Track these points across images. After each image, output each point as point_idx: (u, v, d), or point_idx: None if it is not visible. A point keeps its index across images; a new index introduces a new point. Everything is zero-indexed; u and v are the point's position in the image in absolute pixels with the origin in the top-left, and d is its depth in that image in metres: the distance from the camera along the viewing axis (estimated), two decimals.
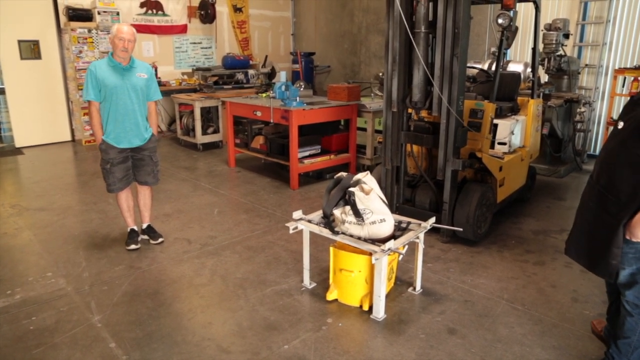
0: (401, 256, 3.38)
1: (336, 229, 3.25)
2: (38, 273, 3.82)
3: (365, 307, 3.25)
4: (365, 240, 3.12)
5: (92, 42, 8.41)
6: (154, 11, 9.67)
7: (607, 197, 2.26)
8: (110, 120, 3.95)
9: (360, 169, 6.68)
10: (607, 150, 2.36)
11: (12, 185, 6.36)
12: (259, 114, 6.36)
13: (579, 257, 2.50)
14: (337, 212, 3.23)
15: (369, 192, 3.10)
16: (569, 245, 2.57)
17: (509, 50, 7.87)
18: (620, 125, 2.30)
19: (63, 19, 8.47)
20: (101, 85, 3.86)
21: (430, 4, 4.08)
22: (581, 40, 7.48)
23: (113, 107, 3.92)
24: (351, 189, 3.13)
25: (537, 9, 4.93)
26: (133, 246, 4.22)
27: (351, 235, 3.18)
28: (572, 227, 2.57)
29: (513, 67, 6.07)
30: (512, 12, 4.16)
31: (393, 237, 3.17)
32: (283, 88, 5.93)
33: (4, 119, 11.06)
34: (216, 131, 8.59)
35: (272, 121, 6.16)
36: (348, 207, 3.15)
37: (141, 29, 9.32)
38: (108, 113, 3.94)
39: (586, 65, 7.46)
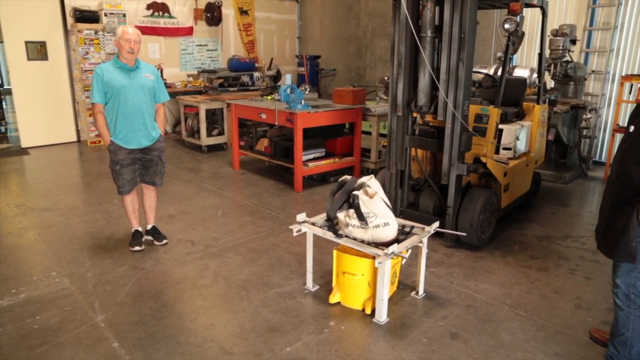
0: (404, 260, 3.37)
1: (340, 232, 3.25)
2: (42, 272, 3.83)
3: (368, 311, 3.25)
4: (369, 243, 3.12)
5: (99, 44, 8.46)
6: (160, 13, 9.72)
7: (628, 190, 2.39)
8: (119, 121, 3.96)
9: (365, 172, 6.68)
10: (622, 151, 2.50)
11: (17, 185, 6.40)
12: (263, 116, 6.37)
13: (605, 248, 2.55)
14: (341, 215, 3.24)
15: (373, 196, 3.10)
16: (599, 241, 2.62)
17: (515, 56, 7.87)
18: (632, 129, 2.44)
19: (70, 20, 8.53)
20: (108, 87, 3.88)
21: (437, 9, 4.09)
22: (588, 46, 7.46)
23: (122, 107, 3.93)
24: (355, 192, 3.13)
25: (544, 14, 4.93)
26: (137, 247, 4.23)
27: (354, 239, 3.18)
28: (598, 225, 2.63)
29: (519, 73, 6.05)
30: (518, 17, 4.16)
31: (396, 241, 3.17)
32: (288, 91, 5.94)
33: (10, 119, 11.16)
34: (221, 133, 8.61)
35: (276, 124, 6.18)
36: (352, 211, 3.15)
37: (147, 30, 9.38)
38: (117, 114, 3.95)
39: (593, 71, 7.44)
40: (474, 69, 5.19)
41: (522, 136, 4.88)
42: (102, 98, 3.91)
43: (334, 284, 3.46)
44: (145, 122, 4.06)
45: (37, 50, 8.41)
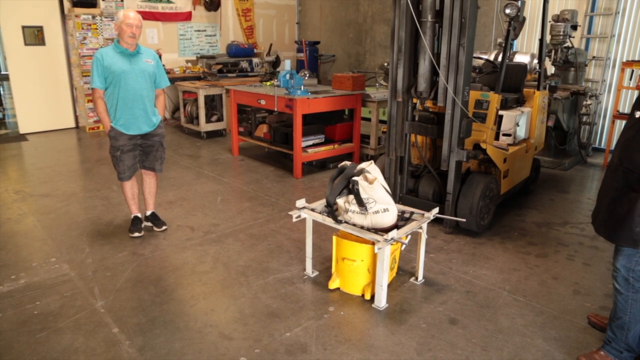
0: (404, 246, 3.38)
1: (339, 218, 3.25)
2: (42, 258, 3.84)
3: (367, 296, 3.26)
4: (368, 229, 3.12)
5: (96, 29, 8.39)
6: None
7: (632, 176, 2.39)
8: (119, 106, 3.93)
9: (364, 158, 6.67)
10: (627, 138, 2.48)
11: (16, 171, 6.38)
12: (263, 102, 6.34)
13: (606, 232, 2.56)
14: (340, 201, 3.23)
15: (373, 182, 3.09)
16: (597, 224, 2.63)
17: (515, 41, 7.81)
18: (638, 114, 2.42)
19: (67, 5, 8.45)
20: (108, 72, 3.84)
21: None
22: (589, 32, 7.41)
23: (122, 92, 3.90)
24: (355, 178, 3.13)
25: None
26: (137, 234, 4.23)
27: (354, 225, 3.18)
28: (596, 209, 2.63)
29: (519, 58, 6.01)
30: (519, 2, 4.12)
31: (396, 226, 3.17)
32: (287, 77, 5.90)
33: (8, 105, 11.10)
34: (220, 119, 8.58)
35: (276, 110, 6.15)
36: (351, 196, 3.15)
37: (145, 15, 9.28)
38: (117, 99, 3.91)
39: (594, 57, 7.40)
40: (475, 55, 5.15)
41: (522, 122, 4.86)
42: (102, 83, 3.87)
43: (333, 269, 3.47)
44: (146, 107, 4.04)
45: (34, 35, 8.33)
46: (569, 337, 2.91)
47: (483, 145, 4.30)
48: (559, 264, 3.85)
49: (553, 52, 6.74)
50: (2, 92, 12.43)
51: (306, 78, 7.14)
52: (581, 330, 2.98)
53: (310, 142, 6.35)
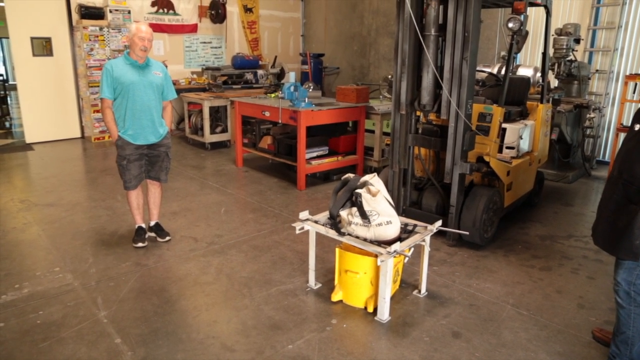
0: (407, 259, 3.38)
1: (342, 230, 3.25)
2: (46, 268, 3.85)
3: (370, 309, 3.25)
4: (371, 242, 3.12)
5: (104, 40, 8.47)
6: (165, 10, 9.73)
7: (631, 188, 2.40)
8: (127, 117, 3.98)
9: (368, 171, 6.68)
10: (627, 149, 2.49)
11: (21, 180, 6.42)
12: (267, 114, 6.37)
13: (605, 244, 2.58)
14: (343, 213, 3.24)
15: (376, 194, 3.10)
16: (596, 236, 2.65)
17: (518, 55, 7.85)
18: (637, 127, 2.45)
19: (75, 16, 8.55)
20: (117, 83, 3.90)
21: (441, 7, 4.09)
22: (592, 45, 7.44)
23: (130, 103, 3.95)
24: (358, 190, 3.14)
25: (548, 13, 4.91)
26: (140, 244, 4.24)
27: (357, 237, 3.19)
28: (596, 221, 2.67)
29: (523, 72, 6.04)
30: (522, 16, 4.15)
31: (399, 239, 3.17)
32: (292, 89, 5.94)
33: (15, 114, 11.19)
34: (224, 130, 8.62)
35: (280, 121, 6.18)
36: (354, 209, 3.16)
37: (152, 27, 9.34)
38: (125, 110, 3.97)
39: (597, 70, 7.42)
40: (478, 68, 5.18)
41: (525, 135, 4.87)
42: (111, 93, 3.93)
43: (336, 282, 3.46)
44: (154, 119, 4.08)
45: (43, 46, 8.44)
46: (573, 351, 2.89)
47: (486, 158, 4.31)
48: (563, 278, 3.83)
49: (556, 65, 6.76)
50: (9, 101, 12.53)
51: (310, 90, 7.19)
52: (585, 344, 2.96)
53: (314, 154, 6.38)
